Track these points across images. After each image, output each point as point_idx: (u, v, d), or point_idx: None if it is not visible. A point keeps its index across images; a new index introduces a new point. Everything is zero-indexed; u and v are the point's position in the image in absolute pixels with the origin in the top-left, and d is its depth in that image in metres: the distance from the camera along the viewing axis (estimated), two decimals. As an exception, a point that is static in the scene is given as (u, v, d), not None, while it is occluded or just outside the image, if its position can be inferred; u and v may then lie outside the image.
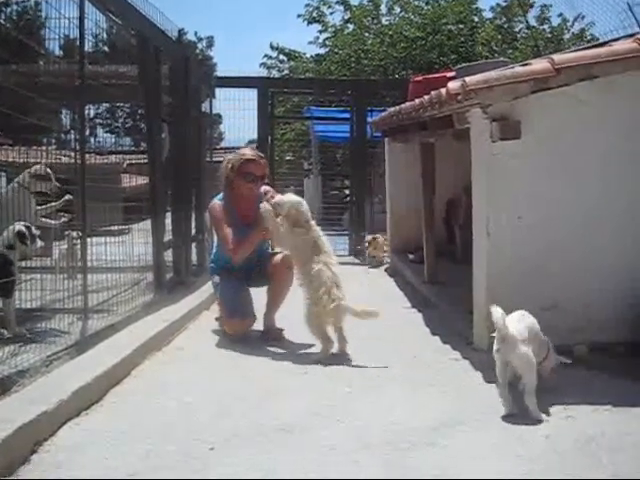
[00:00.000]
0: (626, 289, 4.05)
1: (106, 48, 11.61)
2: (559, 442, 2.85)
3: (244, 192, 4.76)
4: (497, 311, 3.07)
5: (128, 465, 2.65)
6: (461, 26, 14.93)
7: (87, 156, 4.48)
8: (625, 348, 3.92)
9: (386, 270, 7.90)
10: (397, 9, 15.86)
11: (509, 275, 4.05)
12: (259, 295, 4.90)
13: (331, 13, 16.21)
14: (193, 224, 6.77)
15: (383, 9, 16.08)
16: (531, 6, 15.56)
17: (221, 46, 43.92)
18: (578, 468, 2.61)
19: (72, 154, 4.54)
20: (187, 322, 5.12)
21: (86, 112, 4.79)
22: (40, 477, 2.56)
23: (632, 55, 3.89)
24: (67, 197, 6.03)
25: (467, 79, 3.92)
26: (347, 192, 11.63)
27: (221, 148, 13.22)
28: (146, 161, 5.75)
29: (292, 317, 4.57)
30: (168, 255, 5.92)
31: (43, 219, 6.01)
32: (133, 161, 8.18)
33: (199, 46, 33.21)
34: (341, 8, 16.16)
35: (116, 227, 5.99)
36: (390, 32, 15.15)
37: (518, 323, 3.14)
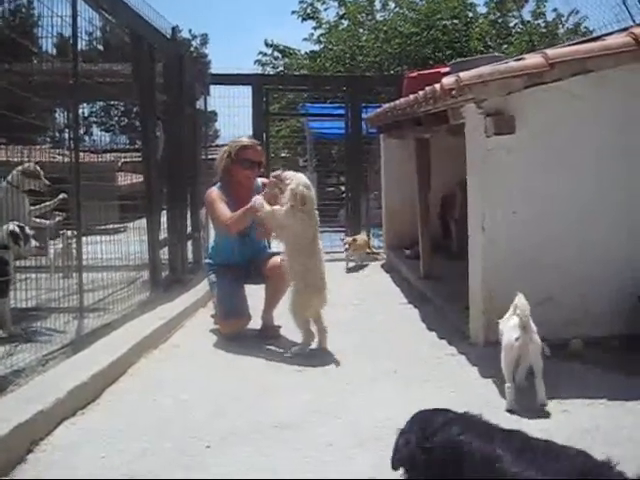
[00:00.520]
0: (621, 283, 4.07)
1: (100, 46, 11.57)
2: (554, 436, 2.84)
3: (241, 179, 4.75)
4: (522, 300, 3.10)
5: (125, 463, 2.65)
6: (455, 21, 14.89)
7: (82, 155, 4.47)
8: (619, 342, 3.94)
9: (382, 266, 7.90)
10: (391, 5, 15.81)
11: (504, 270, 4.06)
12: (258, 292, 4.90)
13: (325, 9, 16.17)
14: (189, 222, 6.76)
15: (377, 5, 16.04)
16: (526, 1, 15.56)
17: (216, 43, 43.71)
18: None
19: (66, 153, 4.53)
20: (183, 320, 5.12)
21: (80, 111, 4.78)
22: (36, 476, 2.56)
23: (626, 49, 3.89)
24: (62, 196, 6.02)
25: (461, 74, 3.93)
26: (343, 189, 11.61)
27: (216, 145, 13.20)
28: (141, 159, 5.74)
29: (289, 315, 4.57)
30: (164, 253, 5.91)
31: (37, 219, 6.00)
32: (128, 159, 8.17)
33: (193, 43, 33.12)
34: (335, 4, 16.12)
35: (111, 226, 5.99)
36: (385, 28, 15.11)
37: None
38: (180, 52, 6.56)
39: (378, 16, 15.99)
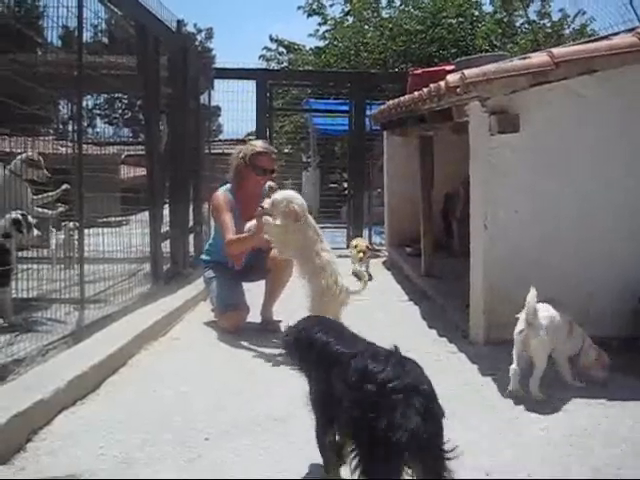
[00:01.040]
0: (622, 283, 4.06)
1: (105, 38, 11.56)
2: (553, 434, 2.86)
3: (251, 185, 4.74)
4: (532, 295, 3.16)
5: (123, 454, 2.66)
6: (461, 20, 14.86)
7: (85, 147, 4.47)
8: (619, 343, 3.93)
9: (383, 263, 7.90)
10: (397, 2, 15.80)
11: (506, 268, 4.06)
12: (257, 288, 4.90)
13: (331, 5, 16.17)
14: (191, 215, 6.76)
15: (383, 2, 16.03)
16: (532, 0, 15.53)
17: (220, 38, 43.85)
18: (571, 459, 2.63)
19: (70, 144, 4.53)
20: (184, 312, 5.13)
21: (84, 103, 4.78)
22: (35, 465, 2.57)
23: (632, 49, 3.89)
24: (65, 187, 6.02)
25: (466, 72, 3.92)
26: (345, 185, 11.62)
27: (219, 140, 13.21)
28: (144, 152, 5.74)
29: (290, 309, 4.58)
30: (166, 246, 5.91)
31: (39, 209, 6.00)
32: (131, 152, 8.18)
33: (198, 37, 33.13)
34: (341, 1, 16.12)
35: (114, 218, 5.99)
36: (390, 25, 15.10)
37: (542, 312, 3.23)
38: (185, 46, 6.55)
39: (383, 13, 15.97)
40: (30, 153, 5.67)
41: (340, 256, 7.65)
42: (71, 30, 4.60)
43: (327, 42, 16.02)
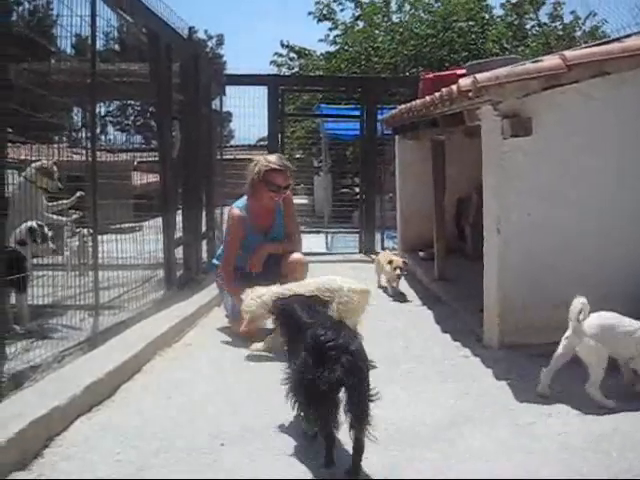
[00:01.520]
0: (638, 286, 4.03)
1: (117, 46, 11.65)
2: (570, 439, 2.84)
3: (265, 199, 4.85)
4: (576, 303, 3.18)
5: (139, 459, 2.67)
6: (472, 23, 14.86)
7: (98, 154, 4.50)
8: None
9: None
10: (407, 6, 15.81)
11: (520, 272, 4.04)
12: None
13: (341, 10, 16.22)
14: (203, 221, 6.79)
15: (393, 6, 16.05)
16: (543, 3, 15.48)
17: (231, 44, 44.01)
18: (589, 465, 2.60)
19: (83, 152, 4.56)
20: (198, 318, 5.14)
21: (97, 110, 4.81)
22: (52, 471, 2.58)
23: (644, 51, 3.87)
24: (79, 194, 6.07)
25: (478, 76, 3.91)
26: (357, 190, 11.60)
27: (231, 146, 13.26)
28: (157, 159, 5.77)
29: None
30: (179, 252, 5.94)
31: (53, 216, 6.04)
32: (144, 159, 8.22)
33: (209, 44, 33.30)
34: (351, 5, 16.16)
35: (127, 224, 6.02)
36: (400, 29, 15.12)
37: (592, 320, 3.22)
38: (196, 52, 6.60)
39: (394, 17, 16.01)
40: (44, 162, 5.71)
41: (351, 261, 7.72)
42: (84, 38, 4.64)
43: (338, 47, 16.05)
